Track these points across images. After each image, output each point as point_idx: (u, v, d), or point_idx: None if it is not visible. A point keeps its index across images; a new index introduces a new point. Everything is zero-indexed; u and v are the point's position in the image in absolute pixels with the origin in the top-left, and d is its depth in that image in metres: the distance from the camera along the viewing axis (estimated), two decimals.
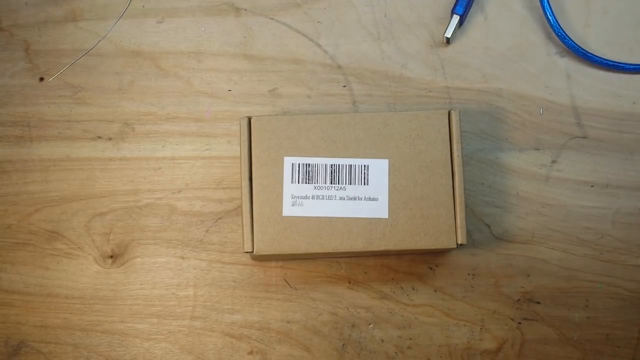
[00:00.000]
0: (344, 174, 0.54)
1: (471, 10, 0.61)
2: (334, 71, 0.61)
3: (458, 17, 0.60)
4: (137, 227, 0.59)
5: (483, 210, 0.59)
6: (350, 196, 0.54)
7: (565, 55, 0.61)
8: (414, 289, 0.59)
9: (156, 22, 0.61)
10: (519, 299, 0.59)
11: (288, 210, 0.53)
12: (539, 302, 0.59)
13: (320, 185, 0.54)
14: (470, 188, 0.59)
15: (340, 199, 0.54)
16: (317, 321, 0.58)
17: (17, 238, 0.59)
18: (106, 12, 0.61)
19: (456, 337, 0.58)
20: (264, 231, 0.53)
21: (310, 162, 0.54)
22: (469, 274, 0.59)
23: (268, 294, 0.59)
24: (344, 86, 0.60)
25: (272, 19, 0.61)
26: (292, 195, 0.53)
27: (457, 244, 0.53)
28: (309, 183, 0.54)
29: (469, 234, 0.59)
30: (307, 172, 0.54)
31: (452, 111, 0.54)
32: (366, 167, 0.54)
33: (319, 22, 0.61)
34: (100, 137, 0.60)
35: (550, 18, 0.60)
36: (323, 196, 0.54)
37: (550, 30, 0.61)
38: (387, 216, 0.54)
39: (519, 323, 0.59)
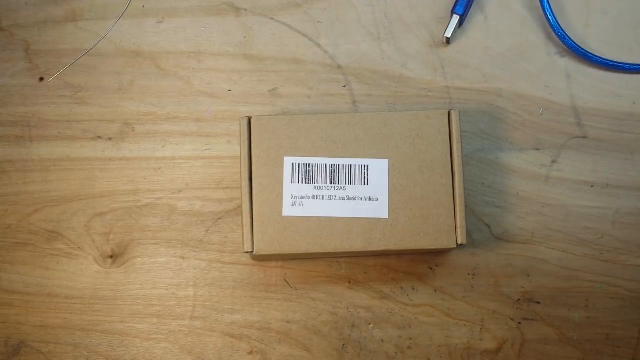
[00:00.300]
0: (344, 174, 0.54)
1: (471, 10, 0.61)
2: (334, 71, 0.61)
3: (458, 17, 0.60)
4: (137, 227, 0.59)
5: (483, 210, 0.59)
6: (350, 196, 0.54)
7: (565, 55, 0.61)
8: (414, 289, 0.59)
9: (156, 22, 0.61)
10: (519, 299, 0.59)
11: (288, 210, 0.53)
12: (539, 302, 0.59)
13: (320, 185, 0.54)
14: (470, 188, 0.59)
15: (340, 199, 0.54)
16: (317, 321, 0.58)
17: (17, 238, 0.59)
18: (106, 12, 0.61)
19: (456, 337, 0.58)
20: (264, 231, 0.53)
21: (310, 162, 0.54)
22: (469, 274, 0.59)
23: (268, 294, 0.59)
24: (344, 86, 0.60)
25: (272, 19, 0.61)
26: (292, 195, 0.53)
27: (457, 244, 0.53)
28: (309, 183, 0.54)
29: (469, 234, 0.59)
30: (307, 172, 0.54)
31: (452, 111, 0.54)
32: (366, 167, 0.54)
33: (319, 22, 0.61)
34: (100, 137, 0.60)
35: (550, 18, 0.60)
36: (323, 196, 0.54)
37: (550, 30, 0.61)
38: (387, 216, 0.54)
39: (519, 323, 0.59)
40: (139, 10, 0.61)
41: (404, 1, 0.61)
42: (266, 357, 0.58)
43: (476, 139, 0.60)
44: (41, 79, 0.60)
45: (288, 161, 0.54)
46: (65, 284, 0.58)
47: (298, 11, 0.61)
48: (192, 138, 0.60)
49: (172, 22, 0.61)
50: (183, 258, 0.59)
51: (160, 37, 0.61)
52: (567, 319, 0.59)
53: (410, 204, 0.54)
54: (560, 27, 0.60)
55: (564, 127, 0.60)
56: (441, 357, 0.58)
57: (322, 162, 0.54)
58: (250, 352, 0.58)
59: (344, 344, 0.58)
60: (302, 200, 0.53)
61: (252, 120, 0.54)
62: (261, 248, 0.53)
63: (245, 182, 0.54)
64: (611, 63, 0.60)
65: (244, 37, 0.61)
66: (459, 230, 0.53)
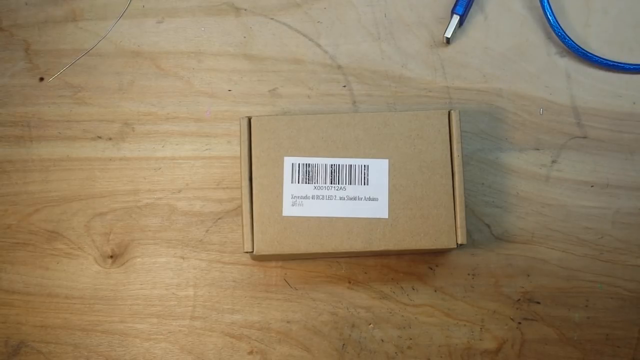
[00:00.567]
0: (344, 174, 0.54)
1: (471, 10, 0.61)
2: (334, 71, 0.61)
3: (458, 17, 0.60)
4: (137, 227, 0.59)
5: (483, 210, 0.59)
6: (350, 196, 0.54)
7: (565, 55, 0.61)
8: (414, 289, 0.59)
9: (156, 22, 0.61)
10: (519, 299, 0.59)
11: (288, 210, 0.53)
12: (539, 302, 0.59)
13: (320, 185, 0.54)
14: (470, 188, 0.59)
15: (340, 199, 0.54)
16: (317, 321, 0.58)
17: (17, 238, 0.59)
18: (106, 12, 0.61)
19: (456, 337, 0.58)
20: (264, 231, 0.53)
21: (310, 162, 0.54)
22: (469, 274, 0.59)
23: (268, 294, 0.59)
24: (344, 86, 0.60)
25: (272, 19, 0.61)
26: (292, 195, 0.53)
27: (457, 244, 0.53)
28: (309, 183, 0.54)
29: (469, 234, 0.59)
30: (307, 172, 0.54)
31: (452, 111, 0.54)
32: (366, 167, 0.54)
33: (319, 22, 0.61)
34: (100, 137, 0.60)
35: (550, 18, 0.60)
36: (323, 196, 0.54)
37: (550, 30, 0.61)
38: (387, 216, 0.54)
39: (519, 323, 0.59)
40: (139, 10, 0.61)
41: (404, 1, 0.61)
42: (266, 357, 0.58)
43: (476, 139, 0.60)
44: (41, 79, 0.60)
45: (288, 161, 0.54)
46: (65, 284, 0.58)
47: (298, 11, 0.61)
48: (192, 138, 0.60)
49: (172, 22, 0.61)
50: (183, 258, 0.59)
51: (160, 37, 0.61)
52: (567, 319, 0.59)
53: (410, 204, 0.54)
54: (560, 27, 0.60)
55: (564, 127, 0.60)
56: (441, 357, 0.58)
57: (322, 162, 0.54)
58: (250, 352, 0.58)
59: (344, 344, 0.58)
60: (302, 200, 0.53)
61: (252, 120, 0.54)
62: (261, 248, 0.53)
63: (245, 182, 0.54)
64: (611, 63, 0.60)
65: (244, 37, 0.61)
66: (459, 230, 0.53)
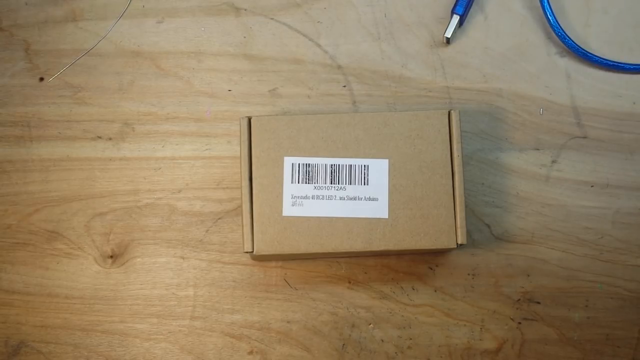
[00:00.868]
0: (344, 174, 0.54)
1: (471, 10, 0.61)
2: (334, 71, 0.61)
3: (458, 17, 0.60)
4: (137, 227, 0.59)
5: (483, 210, 0.59)
6: (350, 196, 0.54)
7: (565, 55, 0.61)
8: (414, 289, 0.59)
9: (156, 22, 0.61)
10: (519, 299, 0.59)
11: (288, 210, 0.53)
12: (539, 302, 0.59)
13: (320, 185, 0.54)
14: (470, 188, 0.59)
15: (340, 199, 0.54)
16: (317, 321, 0.58)
17: (17, 238, 0.59)
18: (106, 12, 0.61)
19: (456, 337, 0.58)
20: (264, 231, 0.53)
21: (310, 162, 0.54)
22: (469, 274, 0.59)
23: (268, 294, 0.59)
24: (344, 86, 0.60)
25: (272, 19, 0.61)
26: (292, 195, 0.53)
27: (457, 244, 0.53)
28: (309, 183, 0.54)
29: (469, 234, 0.59)
30: (307, 172, 0.54)
31: (452, 111, 0.54)
32: (366, 167, 0.54)
33: (319, 22, 0.61)
34: (100, 137, 0.60)
35: (550, 18, 0.60)
36: (323, 196, 0.54)
37: (550, 30, 0.61)
38: (387, 216, 0.54)
39: (519, 323, 0.59)
40: (139, 10, 0.61)
41: (404, 1, 0.61)
42: (266, 357, 0.58)
43: (476, 139, 0.60)
44: (41, 79, 0.60)
45: (288, 161, 0.54)
46: (65, 284, 0.58)
47: (298, 11, 0.61)
48: (192, 138, 0.60)
49: (172, 22, 0.61)
50: (183, 258, 0.59)
51: (160, 37, 0.61)
52: (567, 319, 0.59)
53: (410, 204, 0.54)
54: (560, 27, 0.60)
55: (564, 127, 0.60)
56: (441, 357, 0.58)
57: (322, 162, 0.54)
58: (250, 352, 0.58)
59: (344, 344, 0.58)
60: (302, 200, 0.53)
61: (252, 120, 0.54)
62: (261, 248, 0.53)
63: (245, 182, 0.54)
64: (611, 63, 0.60)
65: (244, 37, 0.61)
66: (459, 230, 0.53)
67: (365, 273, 0.59)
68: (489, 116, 0.60)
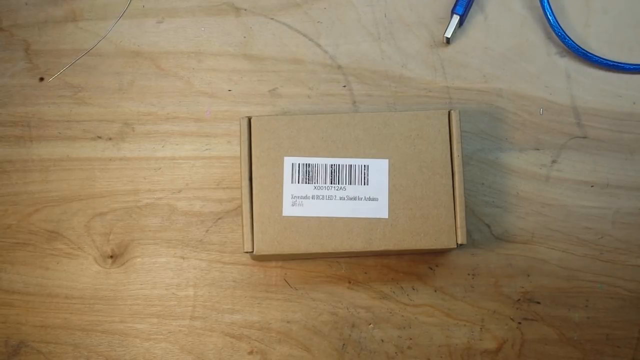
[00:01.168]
0: (344, 174, 0.54)
1: (471, 10, 0.61)
2: (334, 71, 0.61)
3: (458, 17, 0.60)
4: (137, 227, 0.59)
5: (483, 210, 0.59)
6: (350, 196, 0.54)
7: (565, 55, 0.61)
8: (414, 289, 0.59)
9: (156, 22, 0.61)
10: (519, 299, 0.59)
11: (288, 210, 0.53)
12: (539, 302, 0.59)
13: (320, 185, 0.54)
14: (470, 188, 0.59)
15: (340, 199, 0.54)
16: (317, 321, 0.58)
17: (17, 238, 0.59)
18: (106, 12, 0.61)
19: (456, 337, 0.58)
20: (264, 231, 0.53)
21: (310, 162, 0.54)
22: (469, 274, 0.59)
23: (268, 294, 0.59)
24: (344, 86, 0.60)
25: (272, 19, 0.61)
26: (292, 195, 0.53)
27: (457, 244, 0.53)
28: (309, 183, 0.54)
29: (469, 234, 0.59)
30: (307, 172, 0.54)
31: (452, 111, 0.54)
32: (366, 167, 0.54)
33: (319, 22, 0.61)
34: (100, 137, 0.60)
35: (550, 18, 0.60)
36: (323, 196, 0.54)
37: (550, 30, 0.61)
38: (387, 216, 0.54)
39: (519, 323, 0.59)
40: (139, 10, 0.61)
41: (404, 1, 0.61)
42: (266, 357, 0.58)
43: (476, 139, 0.60)
44: (41, 79, 0.60)
45: (288, 161, 0.54)
46: (65, 284, 0.58)
47: (298, 11, 0.61)
48: (192, 138, 0.60)
49: (172, 22, 0.61)
50: (183, 258, 0.59)
51: (160, 37, 0.61)
52: (567, 319, 0.59)
53: (410, 204, 0.54)
54: (560, 27, 0.60)
55: (564, 127, 0.60)
56: (441, 357, 0.58)
57: (322, 162, 0.54)
58: (250, 352, 0.58)
59: (344, 344, 0.58)
60: (302, 200, 0.53)
61: (252, 120, 0.54)
62: (261, 248, 0.53)
63: (245, 182, 0.54)
64: (611, 63, 0.60)
65: (244, 37, 0.61)
66: (459, 230, 0.53)
67: (365, 273, 0.59)
68: (489, 116, 0.60)
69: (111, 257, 0.59)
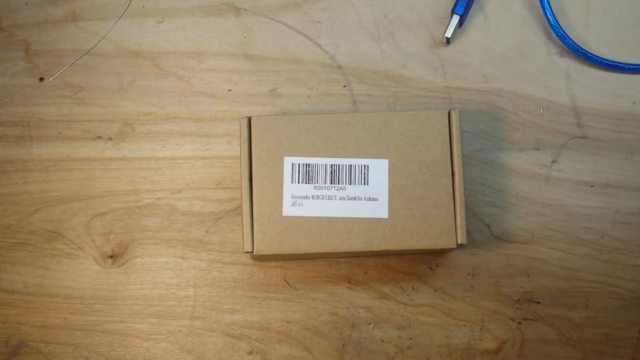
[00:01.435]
0: (344, 174, 0.54)
1: (471, 10, 0.61)
2: (334, 71, 0.61)
3: (458, 17, 0.60)
4: (137, 227, 0.59)
5: (483, 210, 0.59)
6: (350, 196, 0.54)
7: (565, 55, 0.61)
8: (414, 289, 0.59)
9: (156, 22, 0.61)
10: (519, 299, 0.59)
11: (288, 210, 0.53)
12: (539, 302, 0.59)
13: (320, 185, 0.54)
14: (470, 188, 0.59)
15: (340, 199, 0.54)
16: (317, 321, 0.58)
17: (17, 238, 0.59)
18: (106, 12, 0.61)
19: (456, 337, 0.58)
20: (264, 231, 0.53)
21: (310, 162, 0.54)
22: (469, 274, 0.59)
23: (268, 294, 0.59)
24: (344, 86, 0.60)
25: (272, 19, 0.61)
26: (292, 195, 0.53)
27: (457, 244, 0.53)
28: (309, 183, 0.54)
29: (469, 234, 0.59)
30: (307, 172, 0.54)
31: (452, 111, 0.54)
32: (366, 167, 0.54)
33: (319, 22, 0.61)
34: (100, 137, 0.60)
35: (550, 18, 0.60)
36: (323, 196, 0.54)
37: (550, 30, 0.61)
38: (387, 216, 0.54)
39: (519, 323, 0.59)
40: (139, 10, 0.61)
41: (404, 1, 0.61)
42: (266, 357, 0.58)
43: (476, 139, 0.60)
44: (41, 79, 0.60)
45: (288, 161, 0.54)
46: (65, 284, 0.58)
47: (298, 11, 0.61)
48: (192, 138, 0.60)
49: (172, 22, 0.61)
50: (183, 258, 0.59)
51: (160, 37, 0.61)
52: (567, 319, 0.59)
53: (410, 204, 0.54)
54: (560, 27, 0.60)
55: (564, 127, 0.60)
56: (441, 357, 0.58)
57: (322, 162, 0.54)
58: (250, 352, 0.58)
59: (344, 344, 0.58)
60: (302, 200, 0.53)
61: (252, 120, 0.54)
62: (261, 248, 0.53)
63: (245, 182, 0.54)
64: (611, 63, 0.60)
65: (244, 37, 0.61)
66: (459, 230, 0.53)
67: (365, 273, 0.59)
68: (489, 116, 0.60)
69: (111, 257, 0.59)
